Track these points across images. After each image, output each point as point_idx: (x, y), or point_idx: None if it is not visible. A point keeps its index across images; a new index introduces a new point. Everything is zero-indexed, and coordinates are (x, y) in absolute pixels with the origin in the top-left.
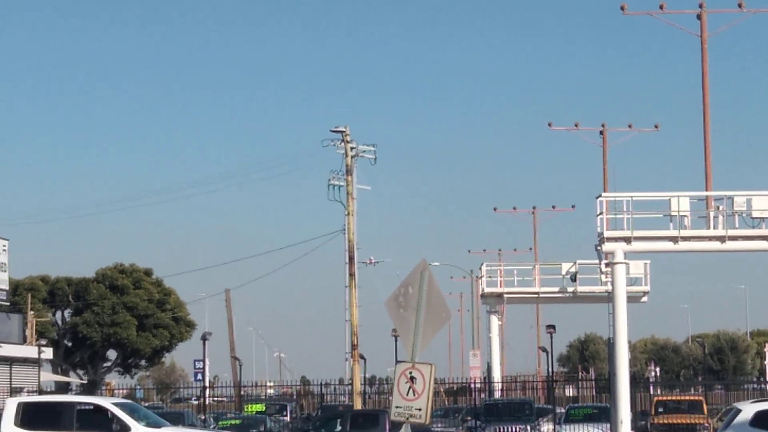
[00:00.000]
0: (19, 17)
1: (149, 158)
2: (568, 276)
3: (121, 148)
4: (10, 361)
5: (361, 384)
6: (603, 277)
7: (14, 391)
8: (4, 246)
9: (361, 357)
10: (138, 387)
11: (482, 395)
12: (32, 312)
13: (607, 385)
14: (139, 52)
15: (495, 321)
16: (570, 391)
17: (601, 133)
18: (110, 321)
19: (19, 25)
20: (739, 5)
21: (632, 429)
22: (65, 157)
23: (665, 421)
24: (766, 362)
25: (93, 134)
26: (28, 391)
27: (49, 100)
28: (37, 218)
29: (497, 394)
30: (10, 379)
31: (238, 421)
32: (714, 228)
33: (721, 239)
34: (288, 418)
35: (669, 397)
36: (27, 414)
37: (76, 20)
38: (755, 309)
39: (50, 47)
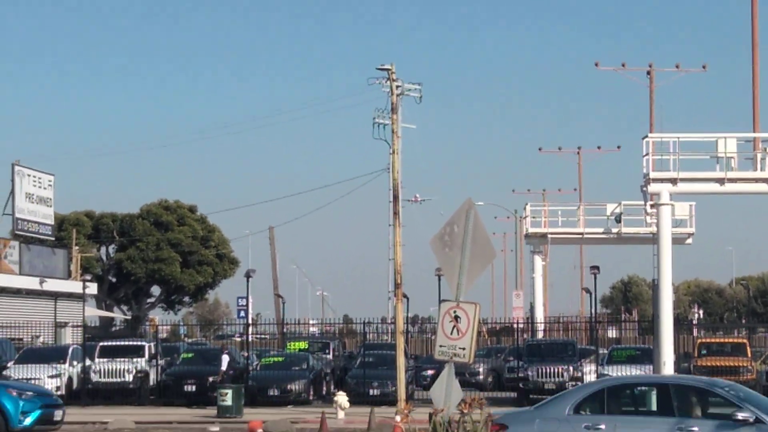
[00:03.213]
0: None
1: (195, 95)
2: (613, 217)
3: (168, 85)
4: (55, 295)
5: (404, 323)
6: (648, 218)
7: (59, 326)
8: (50, 181)
9: (404, 296)
10: (181, 323)
11: (525, 336)
12: (77, 247)
13: (650, 327)
14: None
15: (538, 261)
16: (613, 333)
17: (648, 73)
18: (154, 257)
19: None
20: None
21: (675, 371)
22: (112, 94)
23: (708, 364)
24: None
25: (141, 70)
26: (73, 326)
27: (96, 35)
28: (83, 154)
29: (540, 335)
30: (55, 313)
31: (280, 359)
32: (761, 170)
33: None
34: (330, 356)
35: (712, 340)
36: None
37: None
38: None
39: None
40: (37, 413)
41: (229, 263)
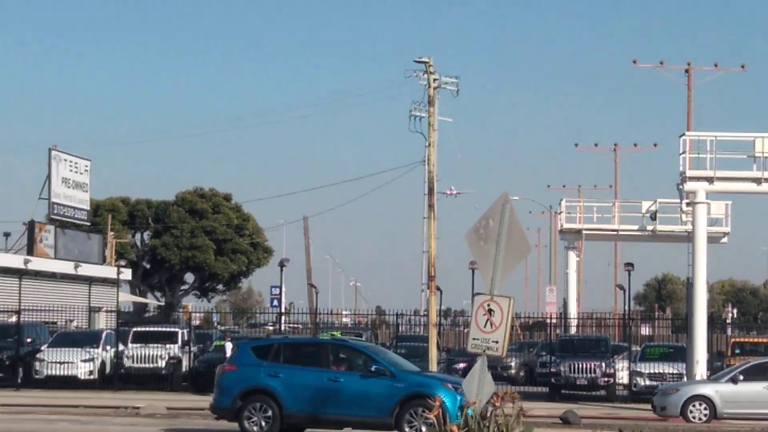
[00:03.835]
0: None
1: (231, 84)
2: (648, 214)
3: (204, 73)
4: (89, 280)
5: (437, 315)
6: (683, 216)
7: (93, 310)
8: (87, 167)
9: (438, 288)
10: (214, 311)
11: (557, 331)
12: (112, 233)
13: (683, 325)
14: None
15: (572, 257)
16: (646, 330)
17: (687, 71)
18: (189, 244)
19: None
20: None
21: (708, 369)
22: (149, 80)
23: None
24: None
25: (177, 57)
26: (107, 311)
27: (134, 21)
28: (120, 140)
29: (573, 330)
30: (89, 298)
31: None
32: None
33: None
34: None
35: (746, 339)
36: None
37: None
38: None
39: None
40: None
41: (263, 252)
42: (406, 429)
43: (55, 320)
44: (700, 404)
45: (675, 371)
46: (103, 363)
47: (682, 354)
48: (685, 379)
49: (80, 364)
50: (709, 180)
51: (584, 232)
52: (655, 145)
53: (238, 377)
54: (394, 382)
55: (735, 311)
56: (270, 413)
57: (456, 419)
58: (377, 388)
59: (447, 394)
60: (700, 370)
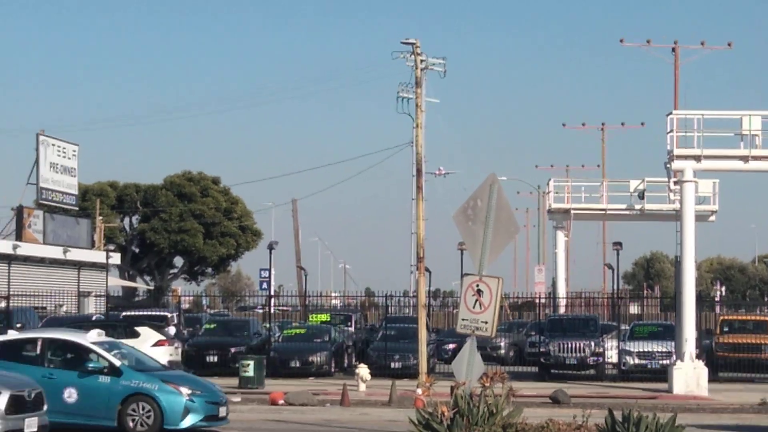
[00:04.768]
0: None
1: (220, 66)
2: (636, 193)
3: (193, 55)
4: (78, 265)
5: (426, 296)
6: (671, 195)
7: (82, 295)
8: (74, 151)
9: (427, 270)
10: (204, 294)
11: (546, 311)
12: (101, 217)
13: (672, 304)
14: None
15: (561, 237)
16: (635, 309)
17: (673, 50)
18: (177, 228)
19: None
20: None
21: (697, 347)
22: (137, 63)
23: (730, 341)
24: None
25: (164, 41)
26: (96, 296)
27: (120, 3)
28: (107, 124)
29: (561, 310)
30: (79, 282)
31: (302, 330)
32: None
33: None
34: (352, 329)
35: (734, 317)
36: None
37: None
38: None
39: None
40: None
41: (252, 235)
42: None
43: (44, 305)
44: None
45: (664, 350)
46: None
47: (670, 332)
48: (674, 357)
49: None
50: (697, 158)
51: (572, 211)
52: (642, 123)
53: None
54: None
55: (723, 289)
56: None
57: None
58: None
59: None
60: (689, 348)
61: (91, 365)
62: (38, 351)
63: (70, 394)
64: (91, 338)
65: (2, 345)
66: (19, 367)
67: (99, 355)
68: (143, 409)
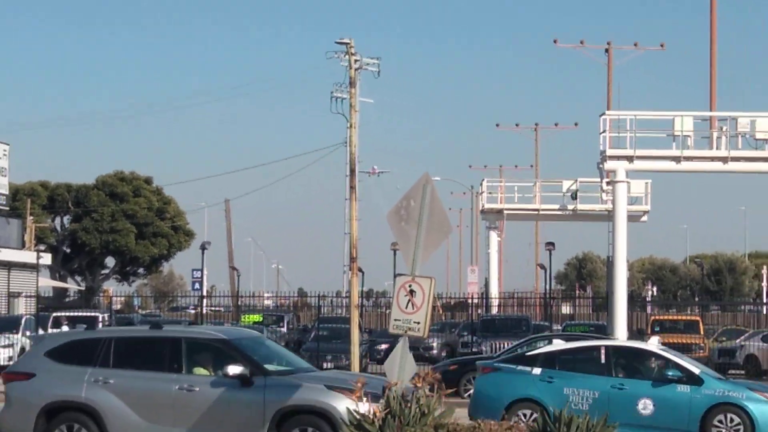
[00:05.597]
0: None
1: (152, 68)
2: (569, 193)
3: (124, 58)
4: (8, 265)
5: (359, 297)
6: (604, 195)
7: (12, 296)
8: (5, 151)
9: (360, 270)
10: (135, 295)
11: (479, 311)
12: (31, 217)
13: (604, 304)
14: None
15: (494, 237)
16: (567, 309)
17: (607, 51)
18: (109, 228)
19: None
20: None
21: None
22: (68, 64)
23: (661, 341)
24: (763, 284)
25: (97, 42)
26: (26, 296)
27: (53, 6)
28: (39, 124)
29: (494, 310)
30: (9, 283)
31: None
32: (717, 149)
33: (724, 160)
34: (285, 330)
35: (666, 317)
36: None
37: None
38: (754, 231)
39: None
40: None
41: (185, 235)
42: None
43: None
44: None
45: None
46: (23, 349)
47: (602, 332)
48: None
49: (0, 350)
50: (629, 159)
51: (505, 211)
52: (576, 124)
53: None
54: None
55: (655, 289)
56: None
57: None
58: None
59: None
60: None
61: (669, 373)
62: (602, 360)
63: (645, 405)
64: (654, 345)
65: (549, 355)
66: (579, 378)
67: (675, 364)
68: (731, 421)
